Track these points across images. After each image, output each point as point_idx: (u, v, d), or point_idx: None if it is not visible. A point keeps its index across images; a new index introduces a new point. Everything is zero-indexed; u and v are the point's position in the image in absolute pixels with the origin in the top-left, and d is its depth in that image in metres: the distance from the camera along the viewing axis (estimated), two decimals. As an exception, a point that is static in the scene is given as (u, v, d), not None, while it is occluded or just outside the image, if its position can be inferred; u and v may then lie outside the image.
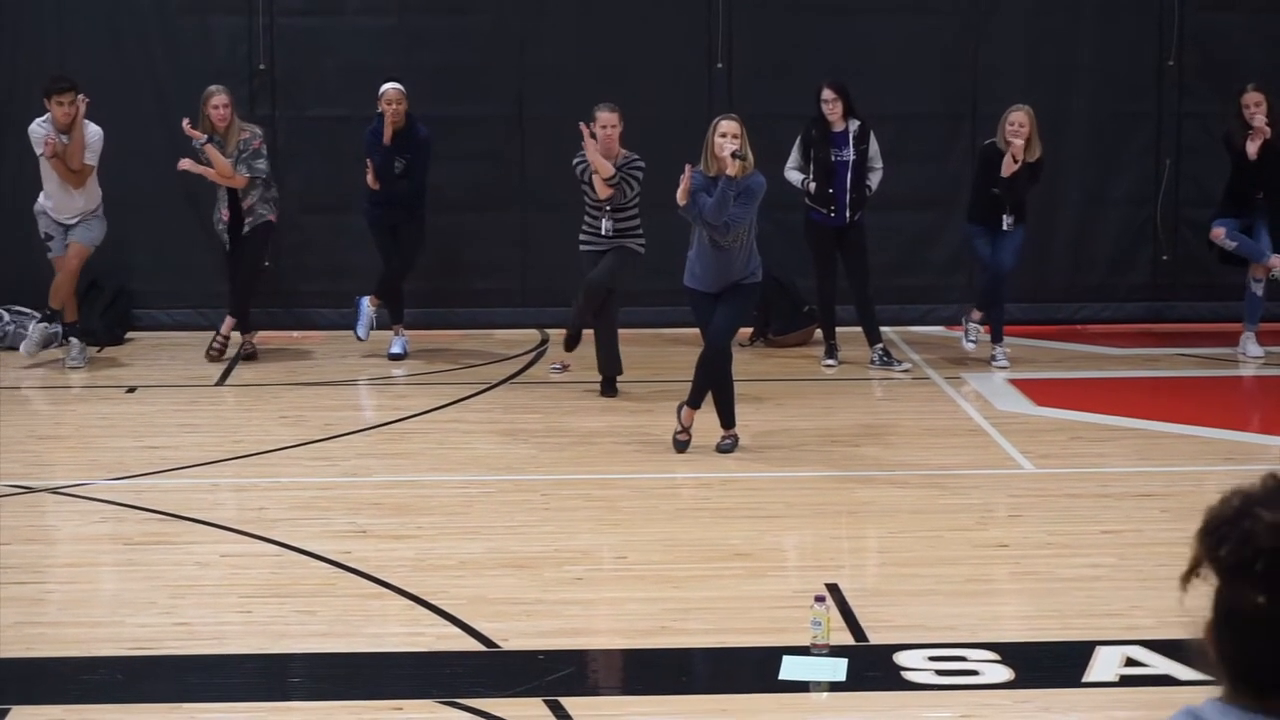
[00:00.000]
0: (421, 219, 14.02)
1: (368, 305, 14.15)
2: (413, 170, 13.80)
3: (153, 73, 15.00)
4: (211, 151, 13.69)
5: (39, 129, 13.59)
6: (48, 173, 13.63)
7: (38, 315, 13.96)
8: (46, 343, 13.84)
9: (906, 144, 14.67)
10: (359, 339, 14.17)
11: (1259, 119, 13.65)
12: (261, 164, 13.88)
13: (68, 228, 13.74)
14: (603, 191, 12.52)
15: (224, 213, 13.93)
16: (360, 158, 14.02)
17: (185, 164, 13.76)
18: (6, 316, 14.58)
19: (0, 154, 14.86)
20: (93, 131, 13.61)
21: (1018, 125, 13.40)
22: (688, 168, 10.84)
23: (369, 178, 13.74)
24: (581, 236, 12.83)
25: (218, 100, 13.79)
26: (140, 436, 11.75)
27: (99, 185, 13.76)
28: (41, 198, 13.75)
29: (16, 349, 13.97)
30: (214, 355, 14.01)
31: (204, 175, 13.81)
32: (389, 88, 13.75)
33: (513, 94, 15.17)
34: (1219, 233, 14.08)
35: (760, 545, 9.38)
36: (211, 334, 14.25)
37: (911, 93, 15.11)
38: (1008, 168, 13.33)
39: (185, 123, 13.69)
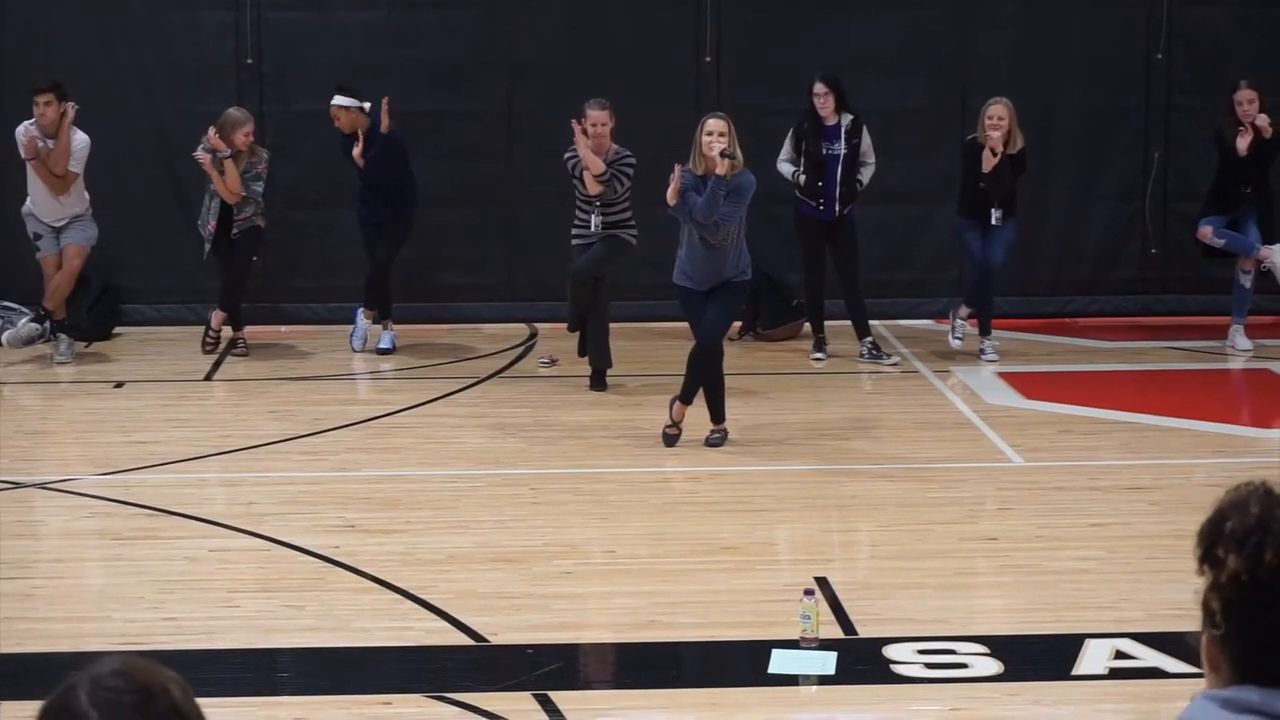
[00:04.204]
0: (407, 217, 13.99)
1: (363, 318, 14.15)
2: (382, 165, 13.69)
3: (140, 67, 14.96)
4: (230, 167, 13.69)
5: (22, 131, 13.56)
6: (33, 177, 13.62)
7: (29, 314, 13.94)
8: (30, 338, 13.77)
9: (895, 138, 14.65)
10: (353, 350, 14.16)
11: (1261, 118, 13.64)
12: (259, 187, 13.91)
13: (57, 230, 13.74)
14: (593, 188, 12.50)
15: (212, 224, 13.91)
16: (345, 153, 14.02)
17: (203, 160, 13.69)
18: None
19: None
20: (79, 139, 13.57)
21: (995, 118, 13.43)
22: (677, 167, 10.82)
23: (355, 151, 13.63)
24: (573, 231, 12.82)
25: (249, 128, 13.81)
26: (128, 431, 11.73)
27: (86, 191, 13.74)
28: (28, 201, 13.74)
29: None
30: (209, 348, 14.05)
31: (211, 177, 13.77)
32: (331, 104, 13.71)
33: (501, 89, 15.15)
34: (1206, 231, 14.09)
35: (749, 539, 9.38)
36: (202, 328, 14.21)
37: (900, 87, 15.09)
38: (988, 162, 13.34)
39: (212, 133, 13.67)
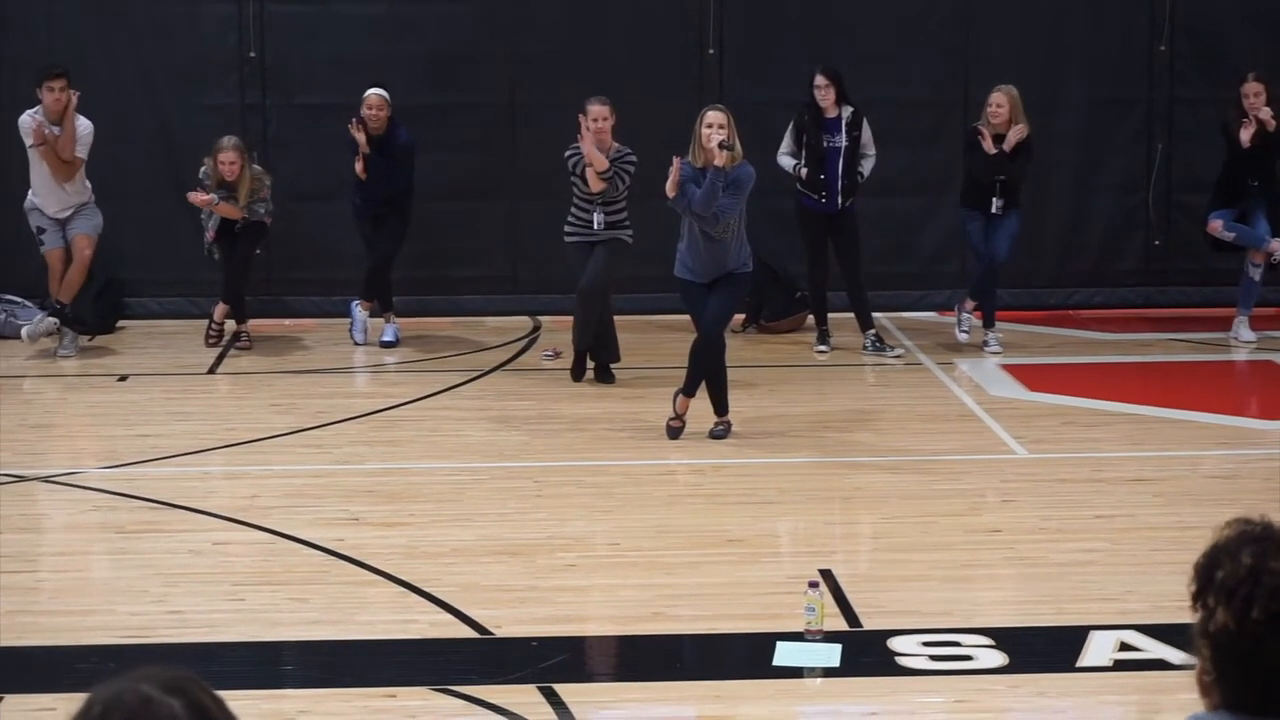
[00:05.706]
0: (405, 212, 13.99)
1: (359, 310, 14.14)
2: (392, 175, 13.72)
3: (142, 61, 14.95)
4: (225, 207, 13.69)
5: (29, 119, 13.56)
6: (37, 167, 13.61)
7: (31, 305, 13.96)
8: (49, 332, 13.78)
9: (898, 129, 14.64)
10: (355, 343, 14.16)
11: (1264, 111, 13.63)
12: (261, 208, 13.89)
13: (62, 222, 13.74)
14: (595, 185, 12.47)
15: (210, 233, 13.91)
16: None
17: (195, 201, 13.68)
18: (-3, 306, 14.57)
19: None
20: (83, 124, 13.59)
21: (995, 106, 13.50)
22: (676, 159, 10.82)
23: (357, 166, 13.69)
24: (567, 229, 12.76)
25: (224, 156, 13.70)
26: (132, 425, 11.73)
27: (87, 180, 13.75)
28: (30, 195, 13.74)
29: (6, 337, 13.98)
30: (212, 341, 14.05)
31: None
32: (371, 93, 13.69)
33: (503, 82, 15.13)
34: (1216, 225, 14.07)
35: (753, 531, 9.38)
36: (205, 321, 14.21)
37: (903, 78, 15.09)
38: (988, 146, 13.45)
39: (191, 196, 13.61)
